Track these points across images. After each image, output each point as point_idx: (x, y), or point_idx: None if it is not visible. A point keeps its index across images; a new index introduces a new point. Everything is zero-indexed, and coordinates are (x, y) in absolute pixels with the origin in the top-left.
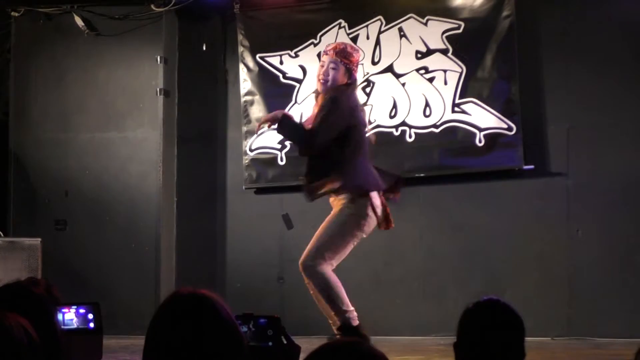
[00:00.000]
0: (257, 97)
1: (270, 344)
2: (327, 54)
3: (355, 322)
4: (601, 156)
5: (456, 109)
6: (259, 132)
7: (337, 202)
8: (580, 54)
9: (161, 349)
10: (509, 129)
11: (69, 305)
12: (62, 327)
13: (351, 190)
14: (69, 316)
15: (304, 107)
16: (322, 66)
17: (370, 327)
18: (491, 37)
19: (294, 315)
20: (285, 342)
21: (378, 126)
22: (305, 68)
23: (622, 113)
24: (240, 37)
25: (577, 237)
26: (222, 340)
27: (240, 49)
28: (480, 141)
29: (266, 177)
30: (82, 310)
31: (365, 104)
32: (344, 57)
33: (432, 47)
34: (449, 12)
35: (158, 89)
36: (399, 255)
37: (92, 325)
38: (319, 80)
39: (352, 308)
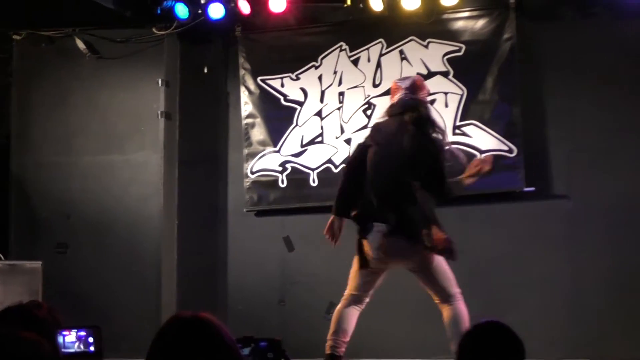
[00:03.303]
0: (258, 120)
1: None
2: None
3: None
4: (602, 179)
5: (457, 131)
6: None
7: None
8: (582, 76)
9: None
10: (510, 151)
11: (69, 328)
12: (63, 349)
13: None
14: (70, 339)
15: (304, 130)
16: None
17: (371, 349)
18: (492, 59)
19: (295, 338)
20: None
21: None
22: (306, 91)
23: (624, 136)
24: (241, 60)
25: (578, 260)
26: None
27: (242, 71)
28: None
29: (267, 200)
30: (82, 333)
31: (365, 126)
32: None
33: (433, 69)
34: (449, 35)
35: (159, 112)
36: (400, 277)
37: (92, 348)
38: None
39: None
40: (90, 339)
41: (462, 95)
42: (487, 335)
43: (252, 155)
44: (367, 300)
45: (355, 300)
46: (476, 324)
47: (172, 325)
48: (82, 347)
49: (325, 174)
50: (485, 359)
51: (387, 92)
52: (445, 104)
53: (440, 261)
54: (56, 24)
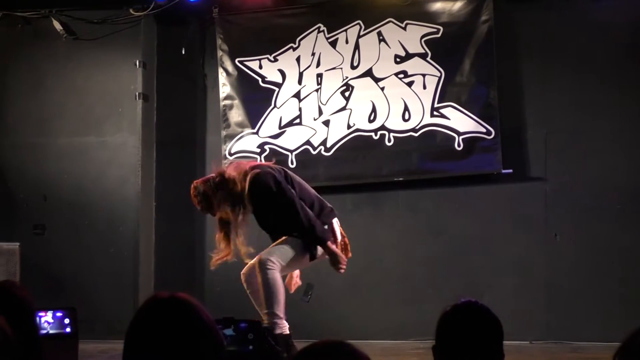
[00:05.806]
0: (236, 102)
1: (251, 348)
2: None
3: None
4: (579, 161)
5: (435, 113)
6: None
7: None
8: (559, 58)
9: (140, 353)
10: (488, 133)
11: (45, 309)
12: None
13: None
14: (46, 320)
15: (283, 111)
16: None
17: (349, 331)
18: (470, 41)
19: None
20: (266, 346)
21: (357, 130)
22: (284, 72)
23: (600, 118)
24: (219, 42)
25: (555, 242)
26: (200, 344)
27: (219, 53)
28: (459, 145)
29: None
30: (58, 314)
31: (344, 108)
32: (206, 193)
33: (411, 51)
34: (427, 17)
35: (137, 94)
36: (378, 259)
37: (68, 329)
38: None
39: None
40: (67, 320)
41: (439, 77)
42: (464, 315)
43: (230, 137)
44: None
45: None
46: (455, 305)
47: (150, 306)
48: (58, 328)
49: (303, 156)
50: (464, 339)
51: (365, 74)
52: (423, 86)
53: None
54: (32, 5)
